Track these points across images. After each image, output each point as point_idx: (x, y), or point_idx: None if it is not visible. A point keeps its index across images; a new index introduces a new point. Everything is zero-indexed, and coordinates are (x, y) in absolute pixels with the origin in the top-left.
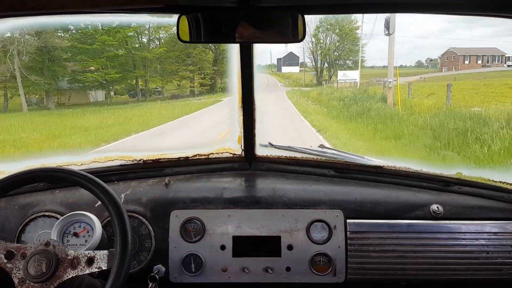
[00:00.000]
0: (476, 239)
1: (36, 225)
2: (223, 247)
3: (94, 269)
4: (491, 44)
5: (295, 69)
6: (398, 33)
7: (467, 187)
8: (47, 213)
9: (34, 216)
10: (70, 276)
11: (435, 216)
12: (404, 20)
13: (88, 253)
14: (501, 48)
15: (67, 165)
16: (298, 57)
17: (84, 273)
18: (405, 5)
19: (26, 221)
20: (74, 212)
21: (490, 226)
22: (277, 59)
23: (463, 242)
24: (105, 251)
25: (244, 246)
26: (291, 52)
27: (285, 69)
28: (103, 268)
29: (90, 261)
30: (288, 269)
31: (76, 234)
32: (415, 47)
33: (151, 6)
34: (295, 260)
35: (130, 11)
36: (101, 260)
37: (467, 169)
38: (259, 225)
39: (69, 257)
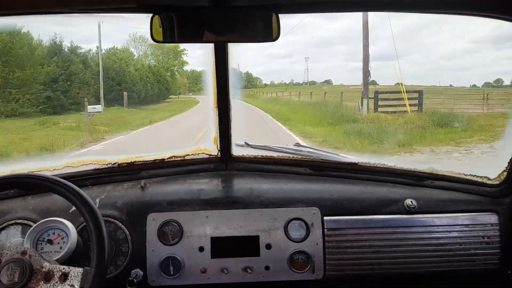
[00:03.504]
0: (449, 231)
1: (8, 233)
2: (201, 249)
3: (66, 286)
4: None
5: None
6: (419, 55)
7: (439, 181)
8: (19, 221)
9: (5, 224)
10: None
11: (409, 211)
12: (429, 40)
13: (63, 268)
14: None
15: (39, 171)
16: None
17: None
18: (382, 3)
19: None
20: (47, 219)
21: (462, 218)
22: None
23: (437, 235)
24: (80, 269)
25: (223, 247)
26: None
27: None
28: (76, 287)
29: (64, 277)
30: (267, 268)
31: (50, 241)
32: (438, 67)
33: (124, 6)
34: (274, 259)
35: (102, 11)
36: (75, 277)
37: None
38: (237, 225)
39: (44, 270)
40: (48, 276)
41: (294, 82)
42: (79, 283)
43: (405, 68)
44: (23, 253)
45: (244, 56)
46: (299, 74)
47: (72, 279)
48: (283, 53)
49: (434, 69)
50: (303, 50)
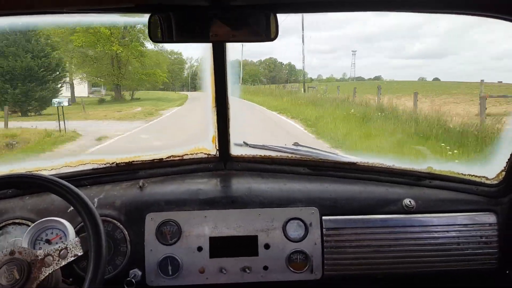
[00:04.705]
0: (448, 231)
1: (6, 233)
2: (200, 249)
3: (70, 258)
4: None
5: None
6: (471, 53)
7: (438, 181)
8: (17, 221)
9: (3, 224)
10: (47, 274)
11: (407, 210)
12: (480, 38)
13: (59, 246)
14: None
15: (37, 171)
16: None
17: (61, 265)
18: (380, 3)
19: None
20: (45, 219)
21: (460, 218)
22: None
23: (435, 234)
24: (76, 238)
25: (221, 246)
26: None
27: None
28: (79, 254)
29: (63, 253)
30: (265, 268)
31: (48, 241)
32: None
33: (121, 6)
34: (272, 259)
35: (100, 11)
36: (74, 248)
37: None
38: (235, 225)
39: (40, 257)
40: (47, 261)
41: (336, 78)
42: (81, 250)
43: (453, 66)
44: (11, 253)
45: (286, 49)
46: (338, 70)
47: (72, 250)
48: (322, 48)
49: (482, 69)
50: (344, 45)
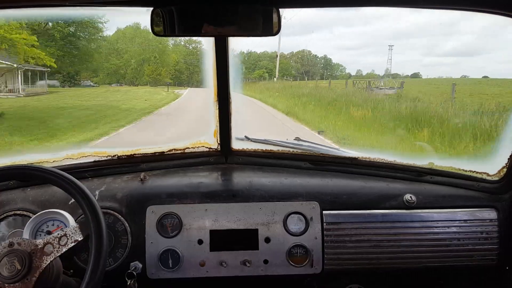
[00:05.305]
0: (448, 227)
1: (7, 224)
2: (200, 242)
3: (70, 244)
4: None
5: None
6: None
7: (439, 177)
8: (18, 212)
9: (5, 215)
10: (49, 262)
11: (408, 206)
12: None
13: (58, 234)
14: None
15: (39, 163)
16: None
17: (62, 252)
18: None
19: None
20: (47, 210)
21: (461, 214)
22: None
23: (436, 230)
24: (74, 224)
25: (222, 240)
26: None
27: None
28: (79, 239)
29: (63, 239)
30: (265, 261)
31: (49, 233)
32: None
33: None
34: (273, 253)
35: (103, 4)
36: (74, 233)
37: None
38: (236, 218)
39: (40, 246)
40: (47, 249)
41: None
42: (80, 235)
43: (485, 65)
44: (10, 244)
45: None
46: (367, 67)
47: (71, 236)
48: (350, 44)
49: None
50: (372, 42)
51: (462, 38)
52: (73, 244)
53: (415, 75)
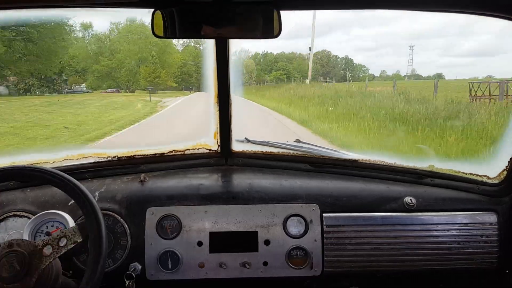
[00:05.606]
0: (448, 230)
1: (6, 225)
2: (200, 244)
3: (70, 245)
4: None
5: None
6: None
7: (439, 179)
8: (18, 213)
9: (4, 216)
10: (48, 263)
11: (408, 208)
12: None
13: (57, 235)
14: None
15: (39, 163)
16: None
17: (61, 253)
18: (384, 1)
19: None
20: (46, 211)
21: (461, 217)
22: None
23: (436, 233)
24: (74, 226)
25: (221, 242)
26: None
27: None
28: (79, 241)
29: (62, 241)
30: (265, 263)
31: (49, 234)
32: None
33: (125, 1)
34: (272, 255)
35: (104, 5)
36: (73, 235)
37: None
38: (236, 220)
39: (39, 247)
40: (47, 250)
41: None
42: (80, 237)
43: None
44: (10, 245)
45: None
46: (382, 68)
47: (71, 237)
48: (366, 45)
49: None
50: (388, 43)
51: (481, 38)
52: (72, 245)
53: (439, 76)
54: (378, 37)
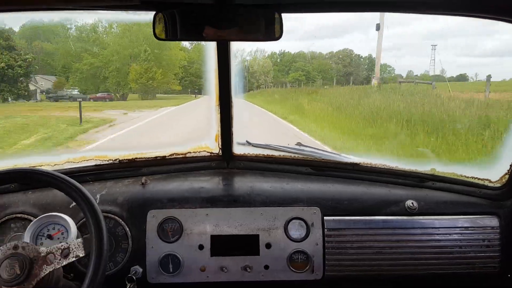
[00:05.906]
0: (449, 234)
1: (8, 227)
2: (201, 247)
3: (71, 259)
4: None
5: None
6: None
7: (441, 183)
8: (19, 215)
9: (6, 218)
10: (48, 272)
11: (410, 212)
12: None
13: (61, 245)
14: None
15: (40, 166)
16: None
17: (62, 265)
18: (388, 4)
19: None
20: (48, 214)
21: (462, 221)
22: None
23: (437, 237)
24: (79, 239)
25: (223, 245)
26: None
27: None
28: (81, 255)
29: (65, 252)
30: (266, 267)
31: (50, 236)
32: None
33: (127, 4)
34: (274, 258)
35: (105, 8)
36: (77, 248)
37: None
38: (237, 224)
39: (42, 254)
40: (49, 258)
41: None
42: (83, 251)
43: None
44: (15, 247)
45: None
46: (403, 69)
47: (74, 251)
48: (386, 45)
49: None
50: (406, 43)
51: (503, 38)
52: (74, 259)
53: (462, 77)
54: (397, 36)
